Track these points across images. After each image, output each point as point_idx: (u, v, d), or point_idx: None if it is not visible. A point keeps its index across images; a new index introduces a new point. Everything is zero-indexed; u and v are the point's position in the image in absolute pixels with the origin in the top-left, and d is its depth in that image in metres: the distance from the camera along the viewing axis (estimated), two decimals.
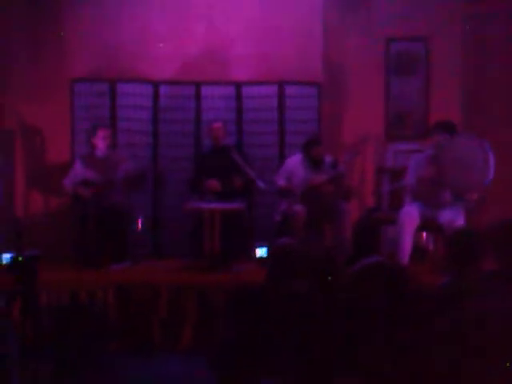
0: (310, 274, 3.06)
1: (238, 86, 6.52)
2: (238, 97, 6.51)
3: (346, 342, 2.51)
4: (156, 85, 6.46)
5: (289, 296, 2.92)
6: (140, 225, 5.70)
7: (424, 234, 5.41)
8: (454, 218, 5.03)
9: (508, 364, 2.37)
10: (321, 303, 2.86)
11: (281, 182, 5.73)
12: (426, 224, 5.21)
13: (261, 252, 5.70)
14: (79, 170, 5.70)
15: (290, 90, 6.47)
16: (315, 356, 2.55)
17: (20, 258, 3.86)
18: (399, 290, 2.81)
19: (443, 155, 5.05)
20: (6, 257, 4.26)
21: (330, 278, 3.04)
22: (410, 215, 5.19)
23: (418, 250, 5.33)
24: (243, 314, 3.01)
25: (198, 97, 6.49)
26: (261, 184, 5.57)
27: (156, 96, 6.46)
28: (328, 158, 5.73)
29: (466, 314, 2.71)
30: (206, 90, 6.51)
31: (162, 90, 6.48)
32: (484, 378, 2.40)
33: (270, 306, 2.90)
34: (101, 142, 5.72)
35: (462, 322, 2.68)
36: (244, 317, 2.99)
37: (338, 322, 2.65)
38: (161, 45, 6.41)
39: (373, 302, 2.74)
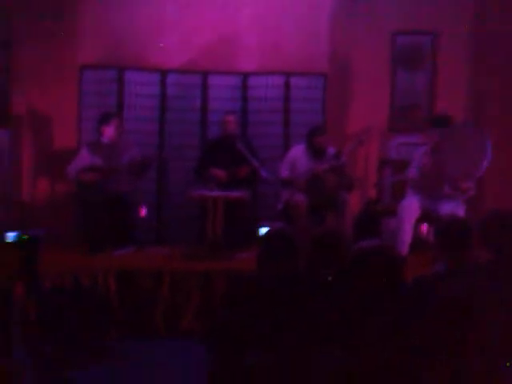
0: (308, 256, 3.12)
1: (245, 76, 6.56)
2: (244, 87, 6.55)
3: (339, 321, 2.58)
4: (163, 73, 6.51)
5: (280, 277, 2.99)
6: (144, 211, 5.74)
7: (424, 226, 5.44)
8: (453, 210, 5.06)
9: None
10: (310, 284, 2.93)
11: (284, 173, 5.79)
12: (427, 216, 5.25)
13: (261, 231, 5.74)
14: (86, 158, 5.74)
15: (295, 81, 6.52)
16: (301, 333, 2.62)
17: (24, 237, 3.92)
18: (396, 274, 2.86)
19: (443, 143, 5.09)
20: (11, 235, 4.32)
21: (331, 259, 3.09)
22: (410, 207, 5.23)
23: (418, 242, 5.36)
24: (237, 297, 3.07)
25: (204, 86, 6.55)
26: (265, 174, 5.63)
27: (163, 84, 6.51)
28: (331, 150, 5.78)
29: (455, 298, 2.76)
30: (212, 80, 6.56)
31: (170, 78, 6.53)
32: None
33: (261, 287, 2.97)
34: (113, 130, 5.75)
35: (451, 305, 2.74)
36: (238, 299, 3.06)
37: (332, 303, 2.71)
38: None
39: (370, 283, 2.79)
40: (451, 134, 5.13)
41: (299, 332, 2.79)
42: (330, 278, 3.01)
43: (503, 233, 3.12)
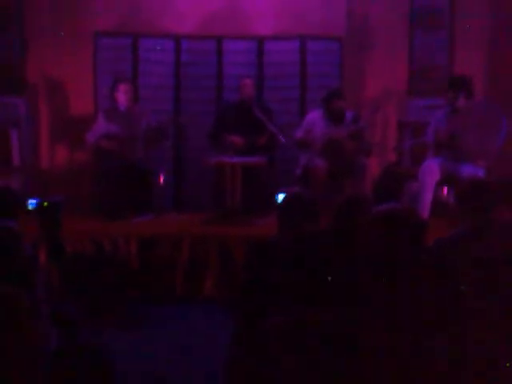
0: (330, 220, 3.10)
1: (260, 40, 6.49)
2: (260, 52, 6.49)
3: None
4: (178, 39, 6.46)
5: (299, 240, 2.98)
6: (162, 178, 5.74)
7: (445, 189, 5.40)
8: (474, 171, 5.02)
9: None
10: (333, 246, 2.92)
11: (299, 134, 5.73)
12: (447, 178, 5.21)
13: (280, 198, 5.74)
14: (102, 124, 5.73)
15: (312, 45, 6.44)
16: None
17: (45, 204, 3.94)
18: (418, 237, 2.84)
19: (461, 119, 5.08)
20: (32, 202, 4.34)
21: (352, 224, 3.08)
22: (431, 170, 5.19)
23: (439, 205, 5.33)
24: (259, 262, 3.08)
25: (219, 51, 6.49)
26: (283, 139, 5.59)
27: (178, 51, 6.47)
28: (349, 113, 5.72)
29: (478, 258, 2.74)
30: (227, 45, 6.50)
31: (184, 44, 6.48)
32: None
33: (281, 251, 2.96)
34: (122, 96, 5.72)
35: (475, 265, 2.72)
36: (260, 264, 3.06)
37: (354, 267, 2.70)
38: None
39: (392, 246, 2.78)
40: (470, 108, 5.11)
41: (321, 294, 2.78)
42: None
43: None
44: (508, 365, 2.37)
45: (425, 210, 5.13)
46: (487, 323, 2.48)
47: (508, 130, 5.17)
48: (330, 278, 2.77)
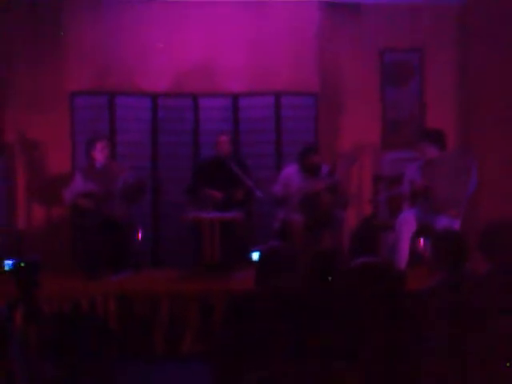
0: (307, 273, 3.12)
1: (235, 97, 6.60)
2: (235, 108, 6.59)
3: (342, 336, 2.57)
4: (154, 97, 6.54)
5: (277, 294, 2.99)
6: (139, 235, 5.75)
7: (421, 240, 5.46)
8: (450, 223, 5.09)
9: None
10: (313, 300, 2.93)
11: (277, 190, 5.81)
12: (423, 229, 5.27)
13: (256, 256, 5.76)
14: (79, 183, 5.75)
15: (286, 101, 6.56)
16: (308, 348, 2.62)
17: (22, 264, 3.91)
18: (394, 290, 2.88)
19: (431, 170, 5.19)
20: (8, 263, 4.31)
21: (329, 277, 3.10)
22: (407, 221, 5.25)
23: (415, 256, 5.38)
24: (237, 317, 3.08)
25: (195, 108, 6.58)
26: (259, 194, 5.65)
27: (154, 108, 6.55)
28: (325, 168, 5.80)
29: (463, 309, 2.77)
30: (203, 102, 6.60)
31: (160, 102, 6.56)
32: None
33: (259, 305, 2.97)
34: (99, 154, 5.77)
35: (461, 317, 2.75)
36: (238, 319, 3.06)
37: (334, 316, 2.71)
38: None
39: (369, 299, 2.80)
40: (442, 159, 5.22)
41: (300, 348, 2.79)
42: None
43: (502, 243, 3.16)
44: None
45: (402, 261, 5.17)
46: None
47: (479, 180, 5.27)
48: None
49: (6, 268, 4.29)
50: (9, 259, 4.36)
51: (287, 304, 2.95)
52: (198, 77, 6.55)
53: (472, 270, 3.21)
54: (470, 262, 3.21)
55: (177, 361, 4.82)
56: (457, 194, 5.16)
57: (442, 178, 5.18)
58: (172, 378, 4.57)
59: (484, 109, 6.35)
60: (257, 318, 2.95)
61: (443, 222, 5.11)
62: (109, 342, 4.75)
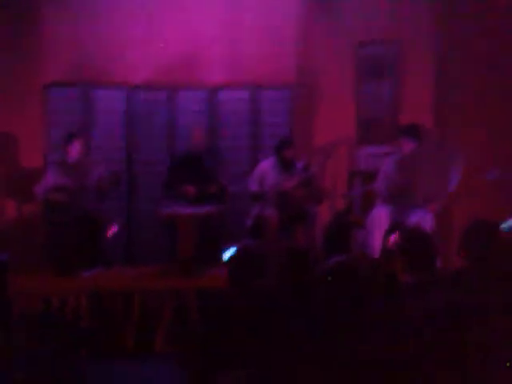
0: (277, 272, 3.13)
1: (212, 90, 6.56)
2: (212, 101, 6.56)
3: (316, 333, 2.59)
4: (130, 89, 6.49)
5: (249, 294, 3.00)
6: (113, 229, 5.71)
7: (393, 237, 5.47)
8: (422, 220, 5.11)
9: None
10: (286, 299, 2.94)
11: (253, 186, 5.80)
12: (395, 226, 5.28)
13: (227, 255, 5.75)
14: (52, 177, 5.71)
15: (263, 94, 6.54)
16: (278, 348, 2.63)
17: None
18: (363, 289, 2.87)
19: (411, 165, 5.18)
20: None
21: (301, 276, 3.11)
22: (380, 217, 5.28)
23: (387, 252, 5.39)
24: (211, 316, 3.08)
25: (171, 101, 6.54)
26: (234, 189, 5.65)
27: (130, 101, 6.49)
28: (300, 163, 5.80)
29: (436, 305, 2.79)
30: (180, 95, 6.55)
31: (136, 94, 6.51)
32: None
33: (233, 305, 2.98)
34: (75, 151, 5.74)
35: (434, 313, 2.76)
36: (212, 318, 3.06)
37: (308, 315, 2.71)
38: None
39: (340, 299, 2.80)
40: (420, 154, 5.21)
41: (273, 347, 2.79)
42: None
43: (483, 241, 3.20)
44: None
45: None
46: None
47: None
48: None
49: None
50: None
51: (260, 303, 2.96)
52: (175, 69, 6.50)
53: (443, 268, 3.23)
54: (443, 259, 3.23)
55: (150, 360, 4.82)
56: (437, 188, 5.16)
57: (421, 173, 5.18)
58: (145, 377, 4.56)
59: (462, 105, 6.34)
60: (231, 317, 2.95)
61: (415, 219, 5.13)
62: (80, 340, 4.74)
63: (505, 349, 2.52)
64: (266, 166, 5.86)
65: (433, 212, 5.20)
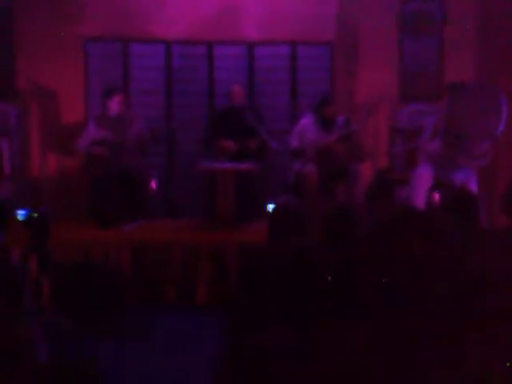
0: (320, 229, 3.10)
1: (250, 45, 6.48)
2: (250, 57, 6.48)
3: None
4: (168, 45, 6.44)
5: (288, 252, 2.97)
6: (153, 184, 5.73)
7: (437, 195, 5.40)
8: (466, 179, 5.03)
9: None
10: (326, 259, 2.90)
11: (294, 142, 5.73)
12: (439, 185, 5.21)
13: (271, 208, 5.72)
14: (92, 131, 5.72)
15: (302, 51, 6.44)
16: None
17: (35, 215, 3.93)
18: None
19: (457, 106, 5.03)
20: (21, 213, 4.33)
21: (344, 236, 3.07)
22: (424, 176, 5.20)
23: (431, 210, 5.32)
24: (250, 272, 3.07)
25: (210, 56, 6.48)
26: (274, 145, 5.59)
27: (168, 56, 6.45)
28: (341, 119, 5.71)
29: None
30: (218, 50, 6.49)
31: (175, 49, 6.46)
32: None
33: (271, 261, 2.95)
34: (115, 106, 5.74)
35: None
36: (251, 274, 3.05)
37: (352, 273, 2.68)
38: None
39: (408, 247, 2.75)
40: (466, 96, 5.06)
41: (312, 306, 2.77)
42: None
43: None
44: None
45: None
46: None
47: None
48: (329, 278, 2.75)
49: (20, 218, 4.31)
50: (22, 209, 4.38)
51: (298, 262, 2.93)
52: (213, 24, 6.42)
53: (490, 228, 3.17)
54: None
55: (190, 311, 4.85)
56: (487, 126, 5.01)
57: (469, 110, 5.00)
58: (182, 328, 4.60)
59: (506, 62, 6.17)
60: (268, 275, 2.93)
61: (460, 178, 5.05)
62: (122, 291, 4.78)
63: None
64: (306, 122, 5.78)
65: (483, 156, 5.05)
